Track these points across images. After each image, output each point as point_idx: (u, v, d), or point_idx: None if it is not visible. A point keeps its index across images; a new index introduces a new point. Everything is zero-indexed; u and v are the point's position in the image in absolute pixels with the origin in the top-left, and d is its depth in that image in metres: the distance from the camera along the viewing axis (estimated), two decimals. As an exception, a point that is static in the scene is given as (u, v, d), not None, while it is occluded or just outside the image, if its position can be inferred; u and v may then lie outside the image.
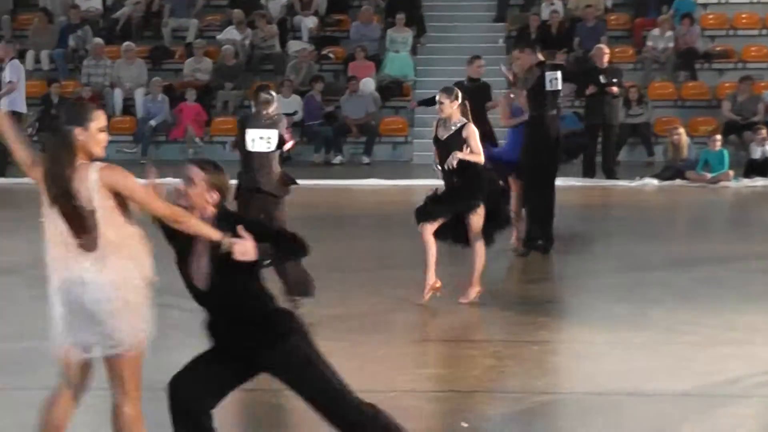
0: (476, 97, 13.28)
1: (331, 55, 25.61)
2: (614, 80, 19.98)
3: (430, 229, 10.20)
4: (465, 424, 6.53)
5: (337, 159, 23.55)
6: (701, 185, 19.69)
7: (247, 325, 5.56)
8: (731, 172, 19.91)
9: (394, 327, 9.53)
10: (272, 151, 10.11)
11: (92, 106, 5.62)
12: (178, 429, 5.65)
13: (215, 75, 24.75)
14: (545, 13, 25.30)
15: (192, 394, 5.61)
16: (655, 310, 10.20)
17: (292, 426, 7.29)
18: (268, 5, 26.16)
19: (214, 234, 5.45)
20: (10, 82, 20.66)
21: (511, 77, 13.62)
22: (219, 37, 25.61)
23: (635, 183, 19.83)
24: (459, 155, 10.11)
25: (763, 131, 20.70)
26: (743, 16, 25.49)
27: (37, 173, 5.59)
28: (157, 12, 26.42)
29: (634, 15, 25.73)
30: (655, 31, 24.65)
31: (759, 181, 19.86)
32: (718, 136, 20.69)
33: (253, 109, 10.47)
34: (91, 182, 5.39)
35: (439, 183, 10.61)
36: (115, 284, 5.43)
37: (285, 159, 23.21)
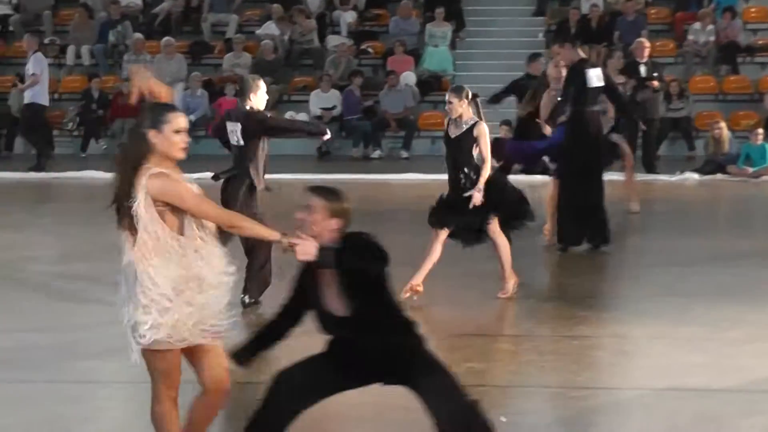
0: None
1: (370, 49, 25.59)
2: (655, 74, 19.83)
3: (443, 235, 10.17)
4: (504, 419, 6.49)
5: (376, 153, 23.53)
6: (742, 179, 19.54)
7: (386, 341, 5.46)
8: (773, 167, 19.77)
9: (432, 321, 9.49)
10: (244, 146, 9.91)
11: (169, 108, 5.54)
12: (261, 420, 5.56)
13: (254, 70, 24.74)
14: (585, 7, 25.17)
15: (294, 393, 5.51)
16: (696, 305, 10.11)
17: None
18: (307, 0, 26.16)
19: (272, 234, 5.41)
20: (33, 74, 20.76)
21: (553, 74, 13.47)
22: (258, 32, 25.65)
23: (676, 177, 19.69)
24: (477, 195, 10.08)
25: (806, 125, 20.53)
26: (786, 9, 25.29)
27: None
28: (196, 7, 26.49)
29: (675, 8, 25.56)
30: (696, 25, 24.47)
31: (801, 176, 19.70)
32: (760, 130, 20.52)
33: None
34: (141, 186, 5.38)
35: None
36: (141, 284, 5.41)
37: (324, 154, 23.39)
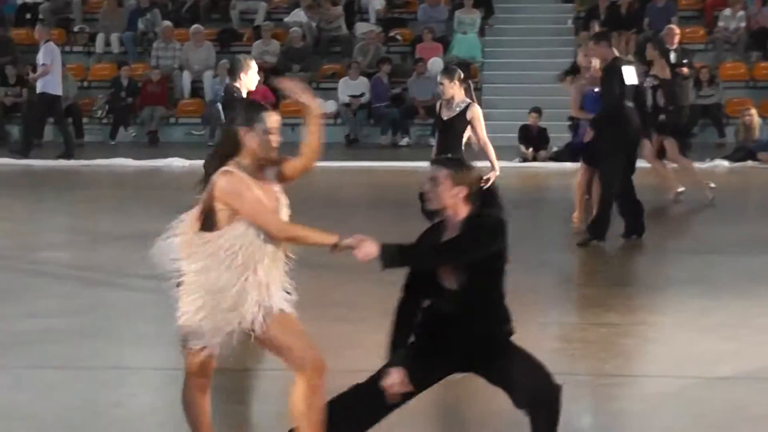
0: None
1: (398, 36, 25.58)
2: (684, 61, 19.72)
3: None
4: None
5: (404, 141, 23.53)
6: (773, 167, 19.45)
7: (483, 327, 5.50)
8: (804, 154, 19.66)
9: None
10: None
11: (263, 107, 5.47)
12: (352, 412, 5.55)
13: (283, 57, 24.80)
14: (614, -7, 25.08)
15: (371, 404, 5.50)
16: (726, 293, 10.08)
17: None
18: (336, -13, 26.19)
19: (329, 239, 5.40)
20: (43, 64, 20.85)
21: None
22: (287, 19, 25.68)
23: (706, 164, 19.59)
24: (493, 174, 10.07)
25: (837, 112, 20.40)
26: (817, -6, 25.11)
27: None
28: (225, -6, 26.55)
29: (706, -5, 25.44)
30: (727, 11, 24.33)
31: (832, 163, 19.59)
32: (791, 117, 20.42)
33: None
34: (212, 183, 5.37)
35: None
36: (196, 280, 5.45)
37: (352, 141, 23.39)
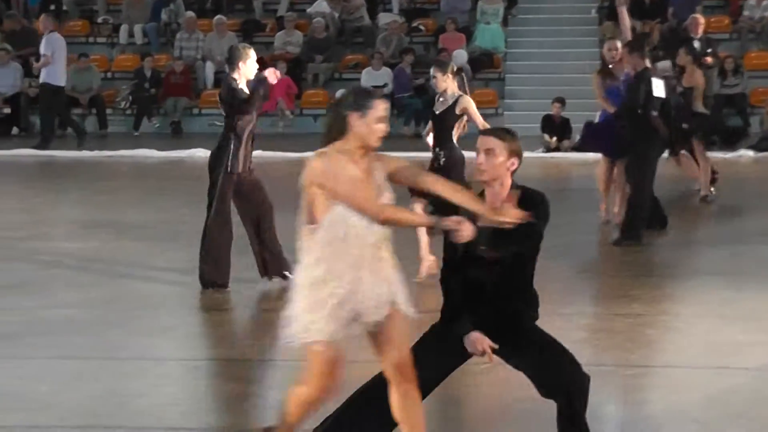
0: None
1: (421, 27, 25.54)
2: (708, 50, 19.61)
3: (418, 207, 9.78)
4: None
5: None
6: (798, 156, 19.34)
7: (519, 298, 5.53)
8: (830, 143, 19.54)
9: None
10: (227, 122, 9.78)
11: (376, 94, 5.42)
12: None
13: (306, 48, 24.80)
14: (639, -17, 24.95)
15: (428, 373, 5.49)
16: (750, 284, 10.02)
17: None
18: (359, -23, 26.14)
19: (427, 220, 5.37)
20: (44, 55, 20.88)
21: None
22: (309, 10, 25.66)
23: (730, 154, 19.50)
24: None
25: None
26: (844, -17, 24.93)
27: None
28: (248, -15, 26.54)
29: (730, -16, 25.30)
30: (752, 0, 24.18)
31: None
32: (816, 107, 20.30)
33: None
34: (306, 167, 5.29)
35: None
36: (308, 275, 5.35)
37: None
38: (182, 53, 24.96)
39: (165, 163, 19.70)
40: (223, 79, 9.89)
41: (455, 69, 10.20)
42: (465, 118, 10.11)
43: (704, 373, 7.54)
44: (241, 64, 9.75)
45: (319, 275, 5.28)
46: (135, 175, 18.53)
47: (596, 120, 13.67)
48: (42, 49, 21.02)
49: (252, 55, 9.84)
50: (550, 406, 5.51)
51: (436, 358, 5.52)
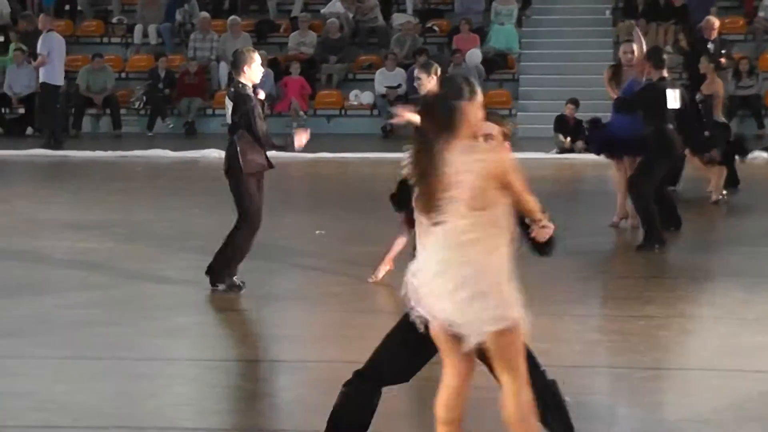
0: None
1: (435, 27, 25.52)
2: (722, 51, 19.57)
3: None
4: (568, 399, 6.45)
5: (441, 132, 23.46)
6: (813, 158, 19.27)
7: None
8: None
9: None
10: (235, 123, 9.62)
11: (474, 83, 5.28)
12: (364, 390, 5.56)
13: (319, 48, 24.80)
14: (654, -16, 24.90)
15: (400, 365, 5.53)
16: (765, 286, 9.99)
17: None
18: (373, -22, 26.13)
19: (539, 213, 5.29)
20: (40, 54, 20.95)
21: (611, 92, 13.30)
22: (323, 10, 25.66)
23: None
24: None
25: None
26: None
27: None
28: (262, -14, 26.55)
29: (745, -15, 25.23)
30: (766, 1, 24.11)
31: None
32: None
33: None
34: (469, 163, 5.08)
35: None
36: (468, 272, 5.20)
37: (388, 133, 23.33)
38: (196, 54, 24.98)
39: (179, 163, 19.72)
40: (232, 85, 9.79)
41: (438, 70, 10.22)
42: None
43: (718, 376, 7.51)
44: (246, 68, 9.62)
45: (487, 274, 5.11)
46: (149, 176, 18.54)
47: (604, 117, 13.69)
48: (39, 48, 21.11)
49: (256, 58, 9.73)
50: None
51: (406, 354, 5.49)
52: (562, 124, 20.66)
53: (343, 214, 13.84)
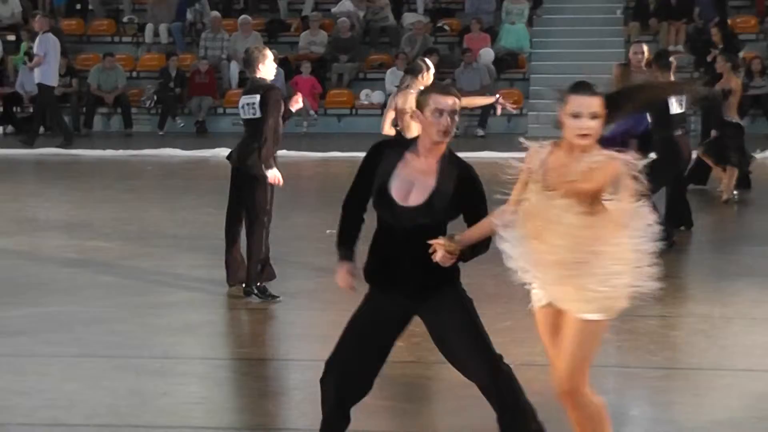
0: None
1: (446, 27, 25.51)
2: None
3: None
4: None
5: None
6: (825, 158, 19.24)
7: (429, 262, 5.46)
8: None
9: (515, 300, 9.44)
10: (258, 118, 9.53)
11: (572, 89, 5.46)
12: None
13: (330, 48, 24.81)
14: (665, -17, 24.86)
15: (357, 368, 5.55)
16: (776, 285, 9.98)
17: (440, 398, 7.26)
18: (384, -23, 26.14)
19: None
20: (36, 55, 21.02)
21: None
22: (334, 9, 25.67)
23: (756, 155, 19.37)
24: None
25: None
26: None
27: None
28: (273, -15, 26.56)
29: (757, -16, 25.19)
30: (778, 1, 24.08)
31: None
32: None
33: None
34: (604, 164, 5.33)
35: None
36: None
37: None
38: (207, 53, 25.01)
39: (189, 162, 19.74)
40: (252, 81, 9.70)
41: (428, 66, 10.33)
42: None
43: (729, 376, 7.50)
44: (260, 66, 9.62)
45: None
46: (159, 175, 18.56)
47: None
48: (35, 49, 21.18)
49: (269, 55, 9.71)
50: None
51: (372, 338, 5.52)
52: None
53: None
